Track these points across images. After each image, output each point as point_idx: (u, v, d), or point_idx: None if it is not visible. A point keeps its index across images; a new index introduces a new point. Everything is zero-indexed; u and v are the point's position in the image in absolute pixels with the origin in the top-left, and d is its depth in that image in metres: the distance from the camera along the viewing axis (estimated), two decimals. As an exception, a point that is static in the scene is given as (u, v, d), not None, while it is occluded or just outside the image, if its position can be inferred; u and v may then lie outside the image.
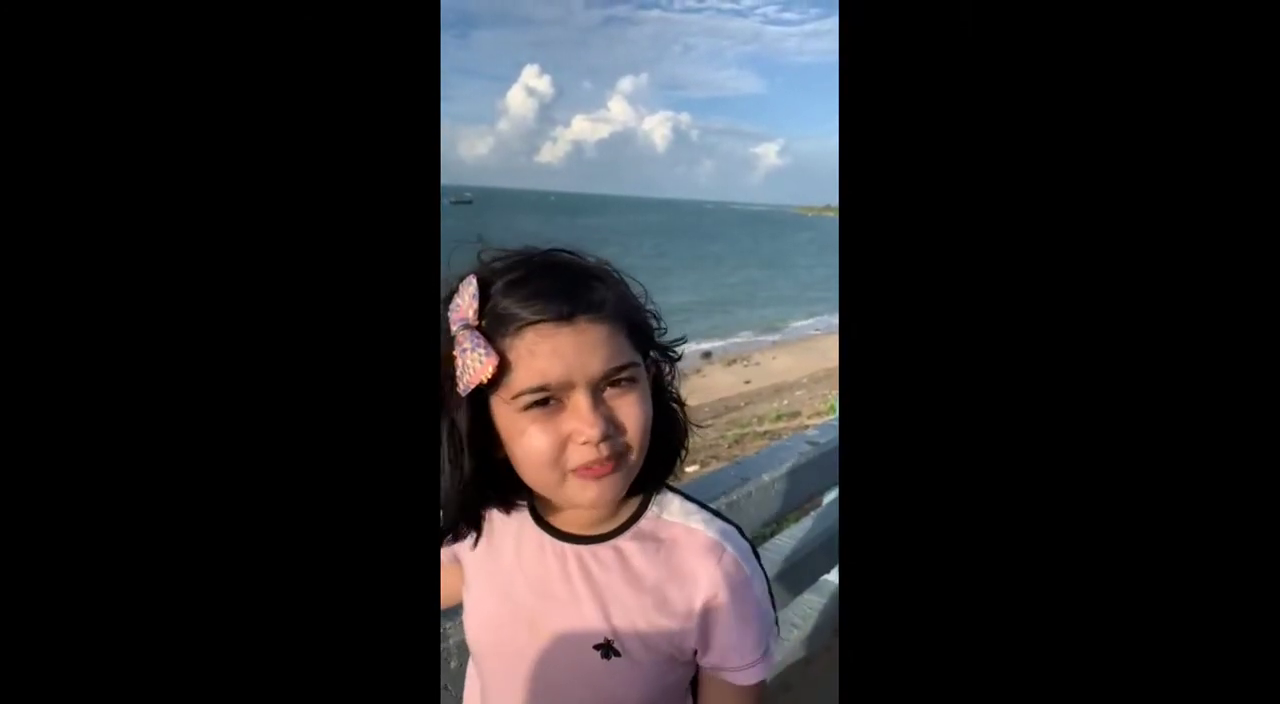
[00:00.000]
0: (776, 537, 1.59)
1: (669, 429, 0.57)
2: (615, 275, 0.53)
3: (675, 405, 0.58)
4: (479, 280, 0.50)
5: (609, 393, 0.50)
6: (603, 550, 0.56)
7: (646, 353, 0.54)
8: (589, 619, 0.55)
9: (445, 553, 0.65)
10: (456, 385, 0.49)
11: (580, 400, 0.48)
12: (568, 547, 0.56)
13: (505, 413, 0.50)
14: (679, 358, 0.58)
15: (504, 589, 0.58)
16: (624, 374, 0.50)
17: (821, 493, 1.68)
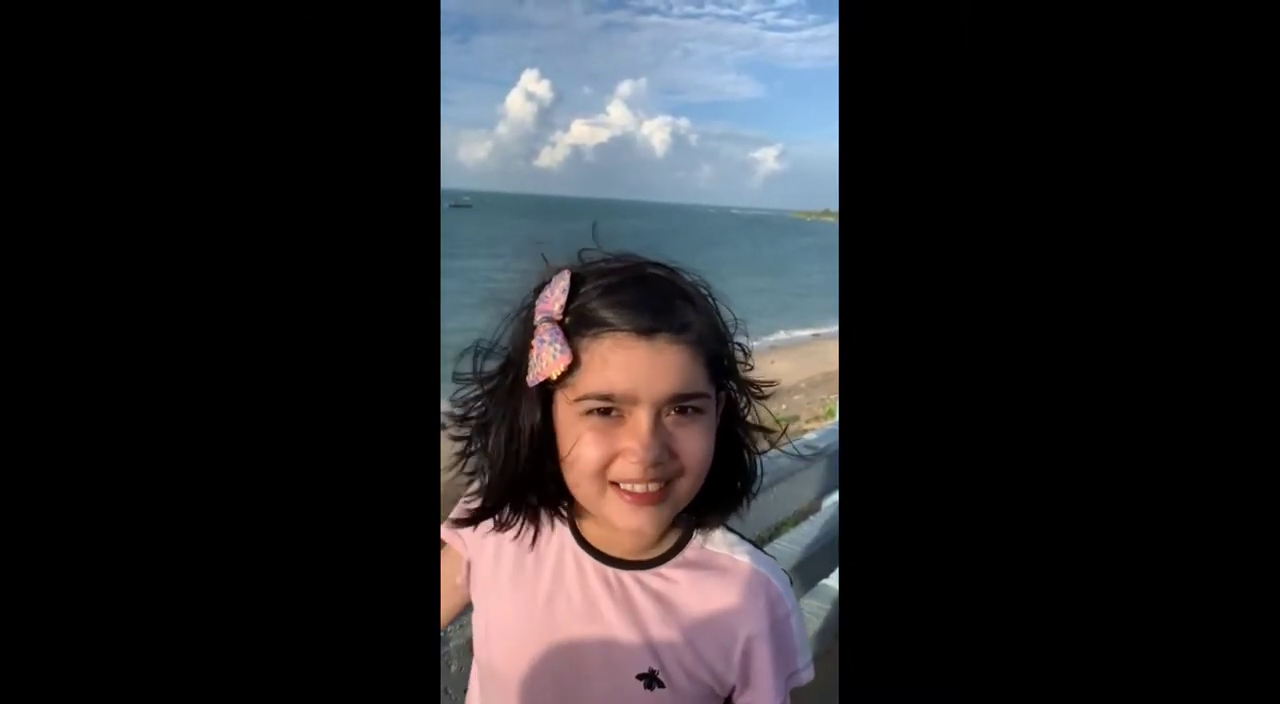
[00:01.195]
0: (776, 541, 1.58)
1: (732, 467, 0.55)
2: (709, 300, 0.52)
3: (747, 445, 0.56)
4: (573, 277, 0.50)
5: (672, 419, 0.48)
6: (649, 577, 0.55)
7: (722, 385, 0.52)
8: (633, 648, 0.53)
9: (450, 548, 0.62)
10: (525, 373, 0.49)
11: (641, 418, 0.47)
12: (610, 570, 0.55)
13: (566, 412, 0.49)
14: (763, 397, 0.56)
15: (535, 605, 0.55)
16: (691, 402, 0.48)
17: (821, 497, 1.68)
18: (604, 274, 0.50)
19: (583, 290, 0.49)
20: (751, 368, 0.55)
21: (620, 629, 0.53)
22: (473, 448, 0.55)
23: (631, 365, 0.47)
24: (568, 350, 0.47)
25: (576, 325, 0.48)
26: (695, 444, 0.49)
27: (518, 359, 0.50)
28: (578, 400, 0.48)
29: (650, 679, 0.53)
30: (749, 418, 0.56)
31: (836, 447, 1.41)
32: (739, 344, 0.54)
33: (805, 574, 1.55)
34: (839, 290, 0.42)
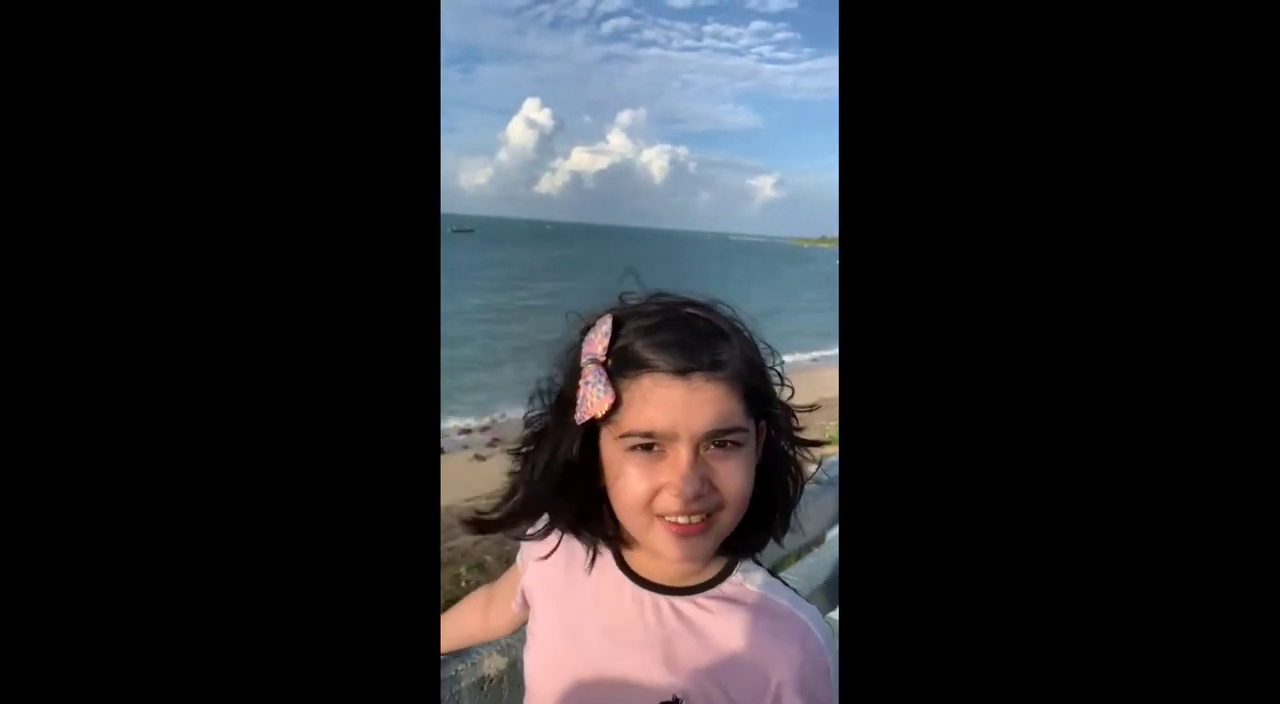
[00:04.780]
0: (780, 573, 1.54)
1: (772, 494, 0.56)
2: (744, 333, 0.54)
3: (789, 471, 0.57)
4: (614, 320, 0.52)
5: (711, 452, 0.50)
6: (684, 604, 0.55)
7: (761, 416, 0.54)
8: (659, 672, 0.54)
9: (504, 588, 0.65)
10: (573, 411, 0.52)
11: (681, 454, 0.49)
12: (647, 593, 0.56)
13: (612, 448, 0.52)
14: (800, 428, 0.58)
15: (574, 629, 0.57)
16: (729, 437, 0.50)
17: (825, 530, 1.64)
18: (643, 316, 0.53)
19: (623, 331, 0.52)
20: (792, 394, 0.57)
21: (647, 650, 0.54)
22: (519, 476, 0.58)
23: (670, 404, 0.49)
24: (611, 390, 0.50)
25: (619, 366, 0.51)
26: (735, 478, 0.51)
27: (568, 398, 0.53)
28: (621, 437, 0.51)
29: None
30: (789, 445, 0.57)
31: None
32: (777, 372, 0.56)
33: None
34: (839, 318, 0.42)
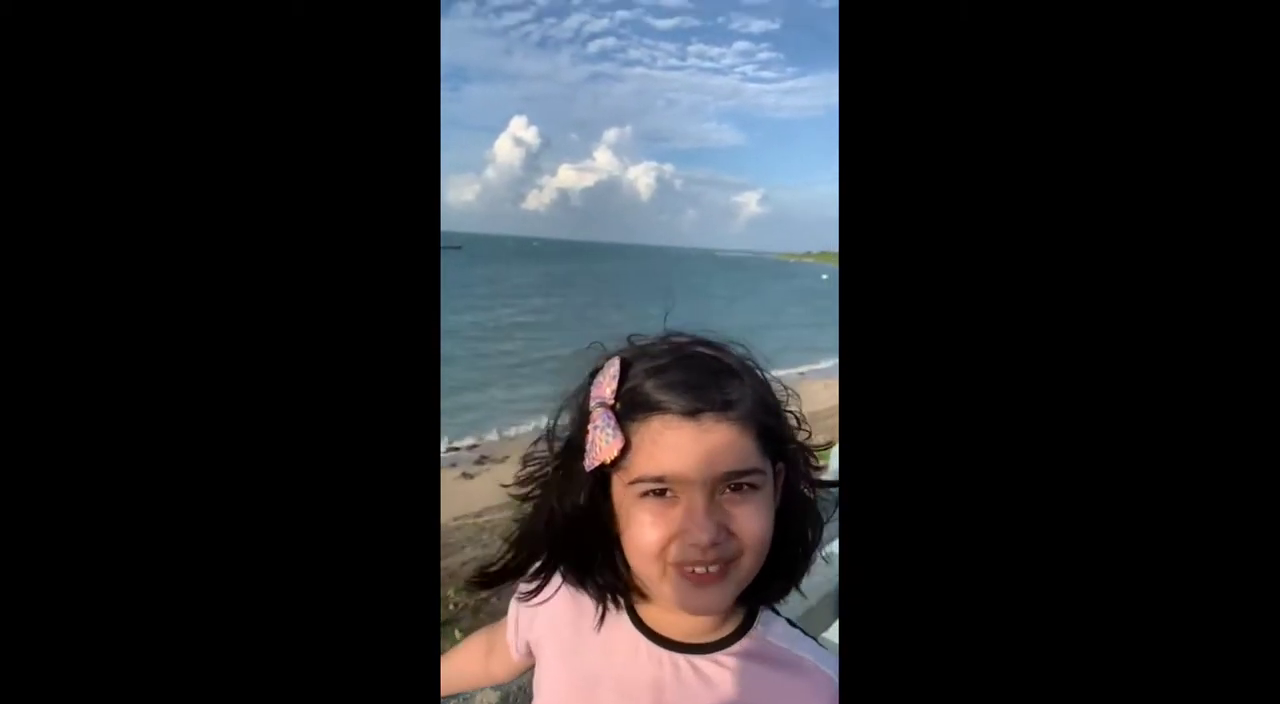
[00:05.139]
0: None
1: (792, 541, 0.53)
2: (757, 372, 0.52)
3: (809, 516, 0.55)
4: (622, 362, 0.50)
5: (727, 497, 0.48)
6: (704, 663, 0.52)
7: (777, 458, 0.51)
8: None
9: (502, 635, 0.63)
10: (582, 457, 0.50)
11: (696, 499, 0.47)
12: (664, 652, 0.53)
13: (623, 494, 0.49)
14: (821, 466, 0.55)
15: (585, 686, 0.54)
16: (745, 479, 0.48)
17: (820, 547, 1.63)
18: (651, 357, 0.51)
19: (632, 373, 0.50)
20: (809, 435, 0.55)
21: None
22: (531, 526, 0.55)
23: (680, 447, 0.47)
24: (620, 435, 0.48)
25: (627, 410, 0.49)
26: (753, 522, 0.48)
27: (577, 443, 0.51)
28: (632, 483, 0.48)
29: None
30: (808, 488, 0.55)
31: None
32: (792, 412, 0.54)
33: (806, 626, 1.49)
34: (839, 334, 0.41)
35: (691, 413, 0.47)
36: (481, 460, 6.85)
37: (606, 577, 0.53)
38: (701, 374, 0.49)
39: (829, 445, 0.57)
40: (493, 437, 7.60)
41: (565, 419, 0.54)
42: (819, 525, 0.55)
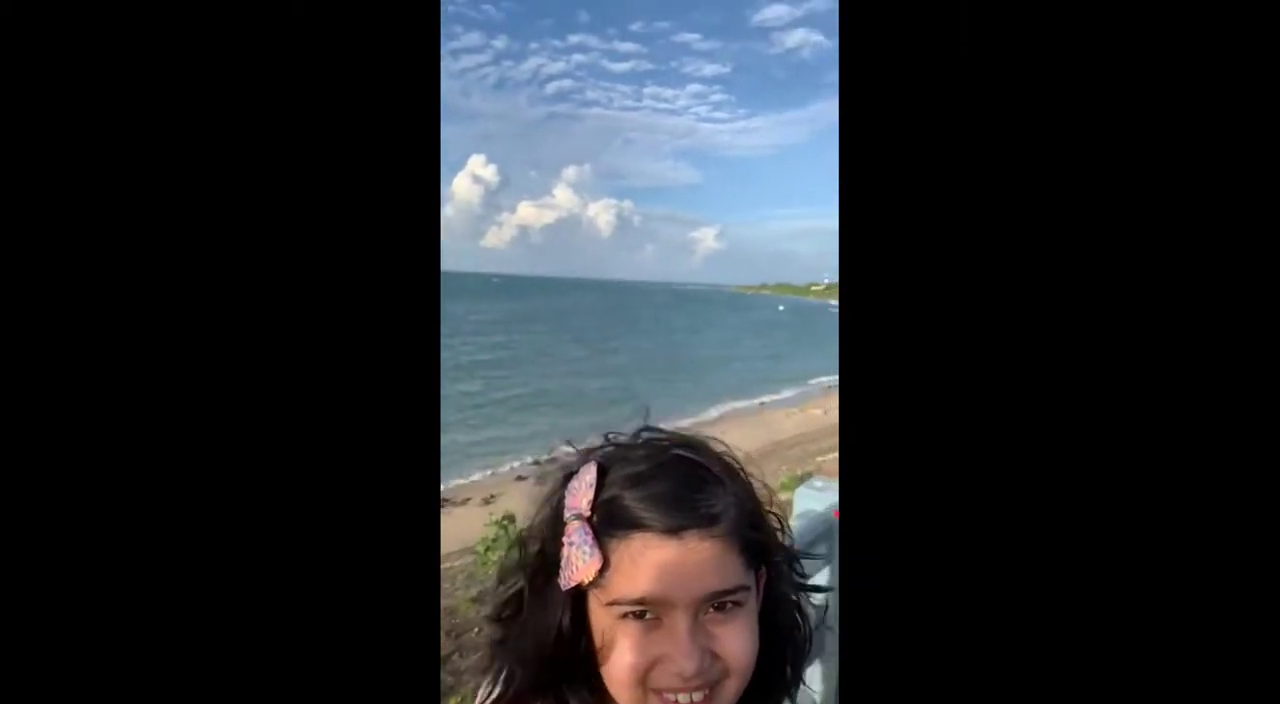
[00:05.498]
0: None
1: (779, 650, 0.51)
2: (740, 475, 0.50)
3: (795, 620, 0.53)
4: (599, 467, 0.48)
5: (711, 616, 0.45)
6: None
7: (761, 566, 0.50)
8: None
9: None
10: (557, 573, 0.47)
11: (679, 624, 0.44)
12: None
13: (600, 614, 0.46)
14: (805, 576, 0.53)
15: None
16: (729, 598, 0.46)
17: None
18: (629, 462, 0.48)
19: (609, 480, 0.47)
20: (793, 544, 0.52)
21: None
22: (503, 647, 0.51)
23: (662, 568, 0.44)
24: (598, 553, 0.45)
25: (605, 523, 0.46)
26: (737, 643, 0.46)
27: (551, 556, 0.48)
28: (610, 604, 0.45)
29: None
30: (792, 591, 0.53)
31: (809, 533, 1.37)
32: (775, 513, 0.51)
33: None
34: (840, 368, 0.41)
35: (674, 531, 0.44)
36: (442, 504, 6.64)
37: (584, 698, 0.49)
38: (683, 485, 0.46)
39: (813, 556, 0.54)
40: (456, 480, 7.39)
41: (539, 521, 0.50)
42: (806, 630, 0.53)
